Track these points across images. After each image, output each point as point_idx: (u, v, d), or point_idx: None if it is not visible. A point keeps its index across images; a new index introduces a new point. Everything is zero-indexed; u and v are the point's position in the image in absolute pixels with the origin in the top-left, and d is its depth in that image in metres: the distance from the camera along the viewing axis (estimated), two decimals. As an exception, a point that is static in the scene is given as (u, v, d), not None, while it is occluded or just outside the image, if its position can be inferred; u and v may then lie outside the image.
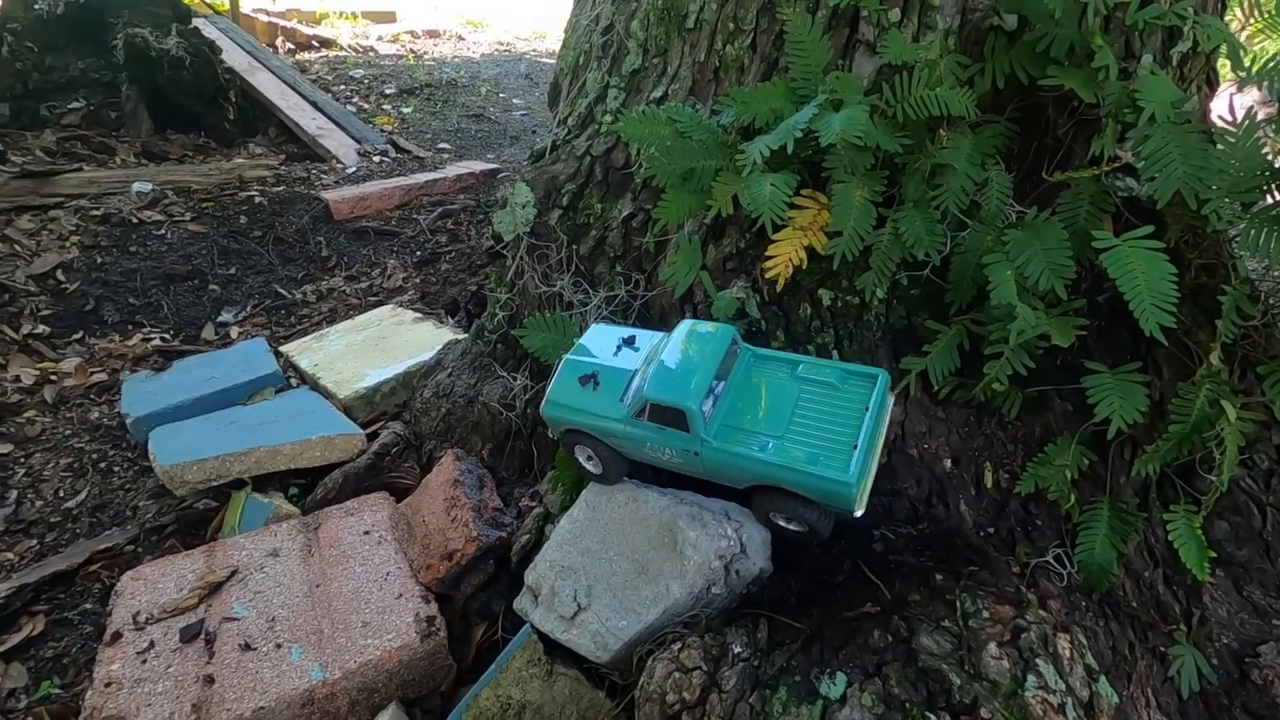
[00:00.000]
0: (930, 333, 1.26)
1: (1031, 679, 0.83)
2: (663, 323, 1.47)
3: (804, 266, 1.24)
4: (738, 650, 0.97)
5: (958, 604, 0.92)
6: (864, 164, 1.21)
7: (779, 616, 1.02)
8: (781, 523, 1.12)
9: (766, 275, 1.25)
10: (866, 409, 1.06)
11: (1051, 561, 1.17)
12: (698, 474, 1.14)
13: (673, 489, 1.21)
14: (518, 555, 1.38)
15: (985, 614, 0.90)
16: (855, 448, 1.01)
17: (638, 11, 1.65)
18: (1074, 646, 0.89)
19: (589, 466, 1.25)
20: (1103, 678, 0.90)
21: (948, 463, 1.25)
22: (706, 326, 1.18)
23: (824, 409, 1.09)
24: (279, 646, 1.24)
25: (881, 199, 1.22)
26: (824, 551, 1.12)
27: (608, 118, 1.70)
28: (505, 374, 1.70)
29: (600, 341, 1.29)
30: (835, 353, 1.31)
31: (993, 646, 0.87)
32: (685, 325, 1.20)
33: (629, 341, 1.27)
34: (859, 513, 1.00)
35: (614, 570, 1.14)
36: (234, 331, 2.63)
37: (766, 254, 1.26)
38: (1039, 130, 1.31)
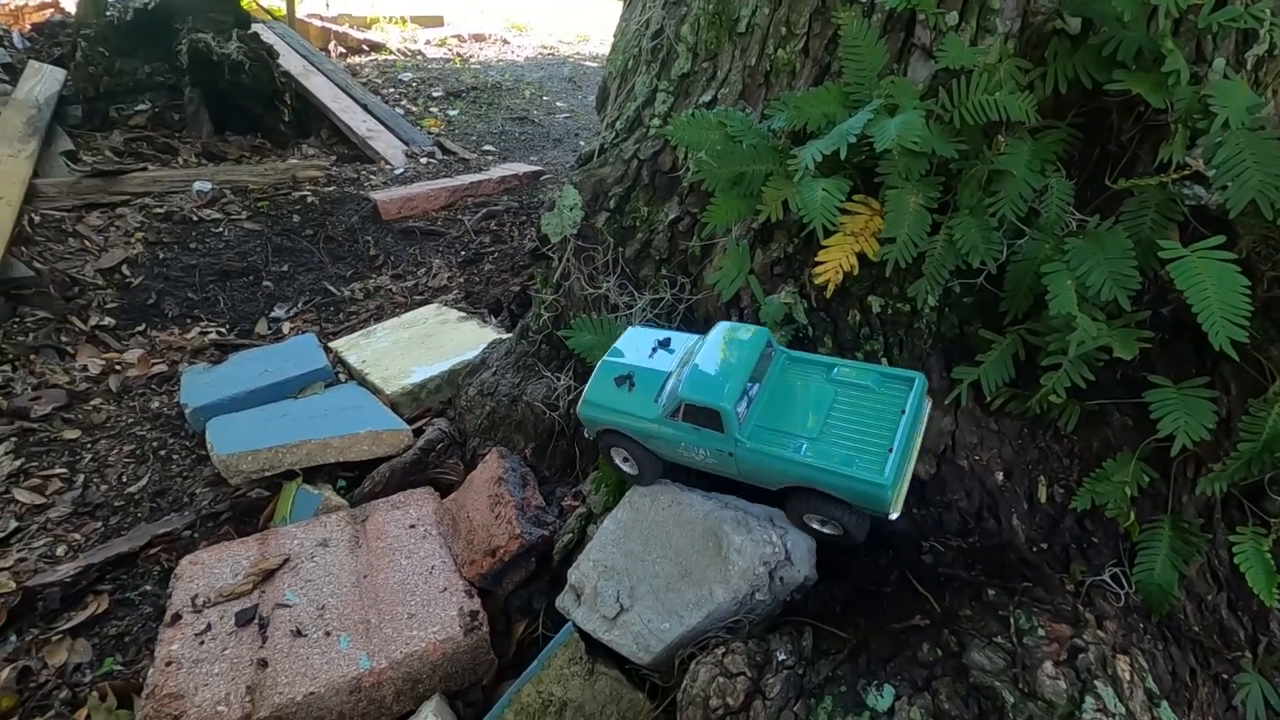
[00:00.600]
0: (984, 342, 1.23)
1: (1090, 701, 0.81)
2: (707, 326, 1.46)
3: (855, 273, 1.22)
4: (782, 658, 0.96)
5: (1011, 620, 0.90)
6: (918, 170, 1.19)
7: (824, 626, 1.01)
8: (816, 525, 1.11)
9: (815, 281, 1.24)
10: (903, 412, 1.06)
11: (1108, 581, 1.14)
12: (731, 475, 1.14)
13: (717, 493, 1.21)
14: (560, 554, 1.39)
15: (1041, 632, 0.88)
16: (891, 450, 1.01)
17: (688, 16, 1.65)
18: (1134, 669, 0.86)
19: (625, 468, 1.26)
20: (1164, 703, 0.87)
21: (1000, 475, 1.22)
22: (742, 330, 1.19)
23: (860, 411, 1.10)
24: (328, 634, 1.28)
25: (936, 205, 1.20)
26: (871, 561, 1.11)
27: (656, 121, 1.70)
28: (549, 374, 1.72)
29: (636, 344, 1.31)
30: (884, 360, 1.29)
31: (1049, 665, 0.84)
32: (721, 328, 1.21)
33: (664, 344, 1.28)
34: (894, 515, 1.00)
35: (657, 572, 1.14)
36: (285, 327, 2.71)
37: (816, 259, 1.25)
38: (1102, 136, 1.28)
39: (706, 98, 1.59)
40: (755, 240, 1.44)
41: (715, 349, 1.16)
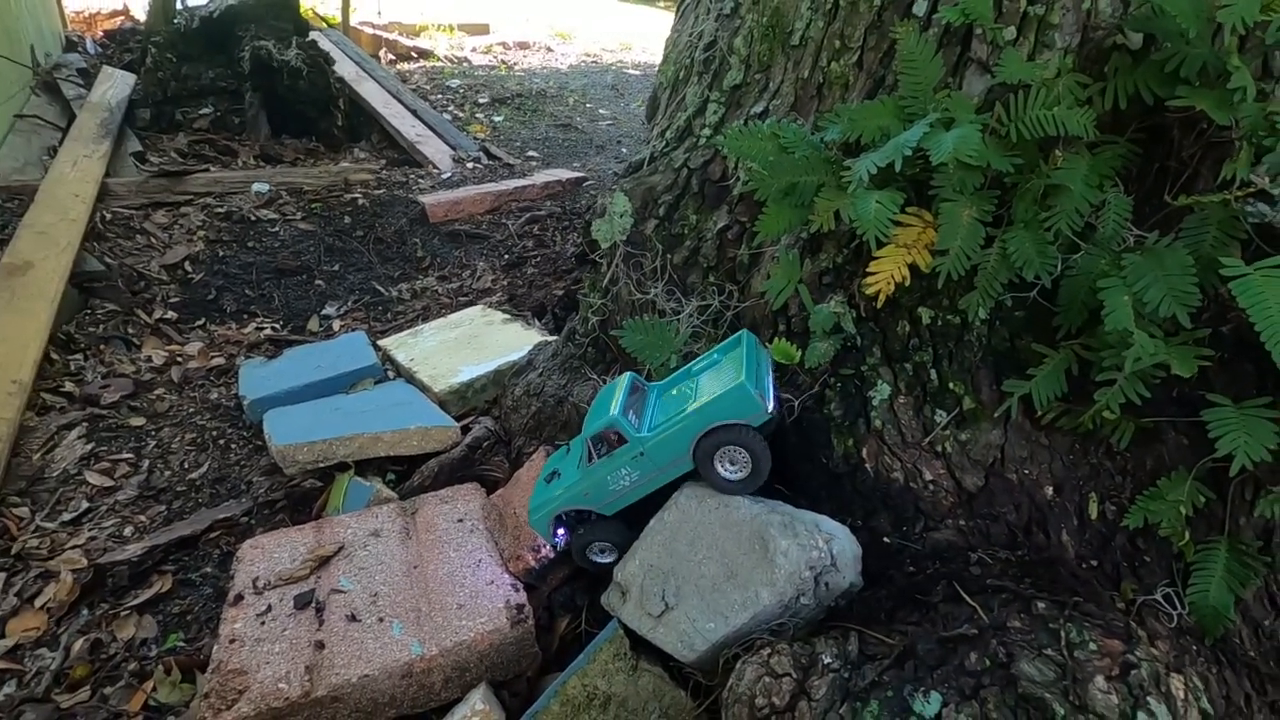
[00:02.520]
0: (1036, 356, 1.23)
1: (1142, 716, 0.81)
2: (754, 333, 1.49)
3: (906, 284, 1.23)
4: (827, 661, 0.97)
5: (1062, 633, 0.90)
6: (973, 183, 1.20)
7: (870, 631, 1.02)
8: (728, 471, 1.23)
9: (866, 291, 1.25)
10: (740, 356, 1.26)
11: (1160, 600, 1.12)
12: (656, 475, 1.27)
13: (764, 497, 1.23)
14: (603, 552, 1.42)
15: (1093, 646, 0.88)
16: (742, 373, 1.19)
17: (741, 28, 1.68)
18: (1188, 689, 0.86)
19: (602, 559, 1.39)
20: (1219, 724, 0.86)
21: (1049, 490, 1.21)
22: (609, 386, 1.41)
23: (715, 376, 1.29)
24: (381, 620, 1.32)
25: (990, 219, 1.21)
26: (917, 570, 1.11)
27: (706, 131, 1.73)
28: (595, 377, 1.76)
29: (552, 460, 1.50)
30: (934, 371, 1.30)
31: (1100, 680, 0.84)
32: (598, 393, 1.43)
33: (568, 449, 1.48)
34: (771, 407, 1.17)
35: (703, 573, 1.17)
36: (336, 324, 2.81)
37: (867, 270, 1.26)
38: (1161, 152, 1.27)
39: (758, 109, 1.62)
40: (804, 250, 1.46)
41: (595, 405, 1.38)
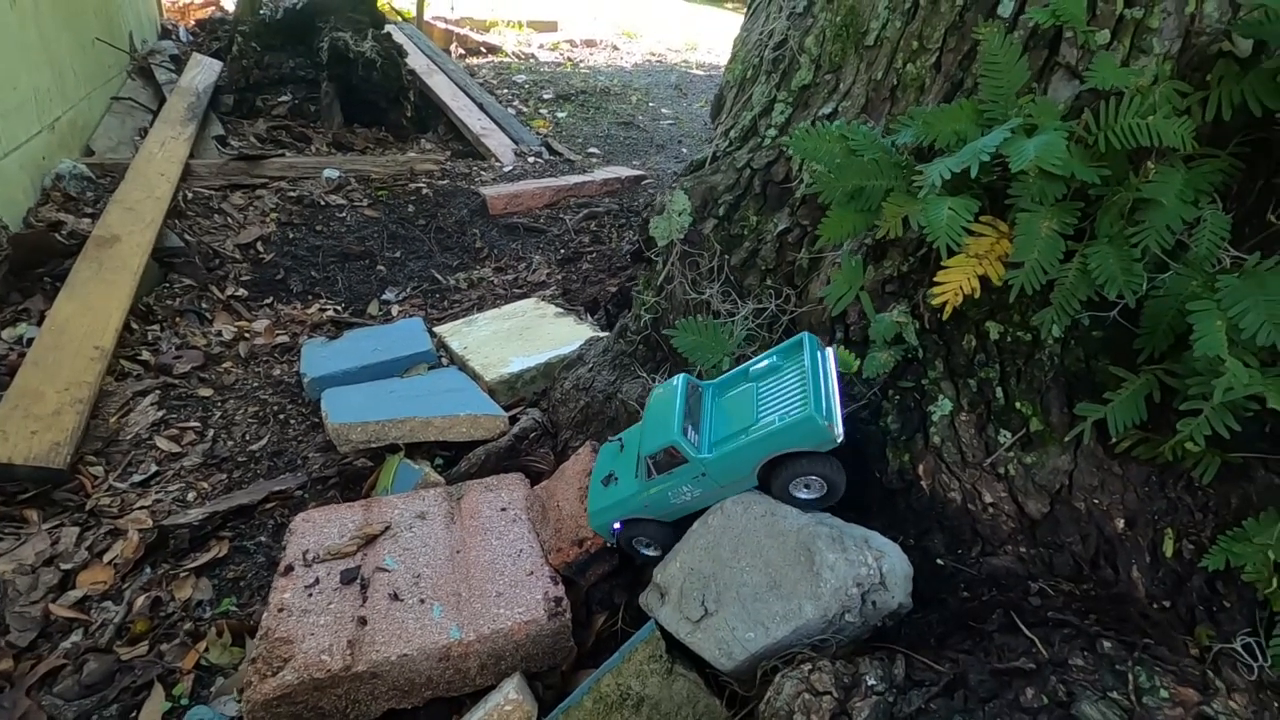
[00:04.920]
0: (1113, 379, 1.16)
1: (1217, 774, 0.75)
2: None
3: (975, 296, 1.18)
4: (871, 683, 0.94)
5: (1130, 676, 0.84)
6: (1054, 193, 1.14)
7: (917, 656, 0.98)
8: (804, 493, 1.21)
9: (933, 302, 1.21)
10: (805, 367, 1.23)
11: (1239, 650, 1.04)
12: (718, 492, 1.26)
13: (812, 510, 1.20)
14: (644, 552, 1.41)
15: (1164, 693, 0.82)
16: (807, 395, 1.17)
17: (813, 27, 1.64)
18: (1270, 748, 0.79)
19: (649, 552, 1.38)
20: (1303, 790, 0.79)
21: (1120, 523, 1.14)
22: (662, 386, 1.39)
23: (778, 385, 1.26)
24: (422, 602, 1.34)
25: (1071, 232, 1.14)
26: (972, 596, 1.06)
27: (772, 131, 1.70)
28: (645, 374, 1.74)
29: (604, 457, 1.49)
30: (1000, 390, 1.24)
31: (1170, 730, 0.79)
32: (650, 397, 1.39)
33: (620, 444, 1.47)
34: (839, 437, 1.13)
35: (744, 581, 1.14)
36: (394, 309, 2.88)
37: (935, 280, 1.21)
38: (1267, 168, 1.18)
39: (827, 110, 1.58)
40: (868, 256, 1.41)
41: (650, 411, 1.34)
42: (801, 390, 1.20)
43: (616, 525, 1.36)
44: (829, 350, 1.28)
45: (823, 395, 1.17)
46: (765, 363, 1.33)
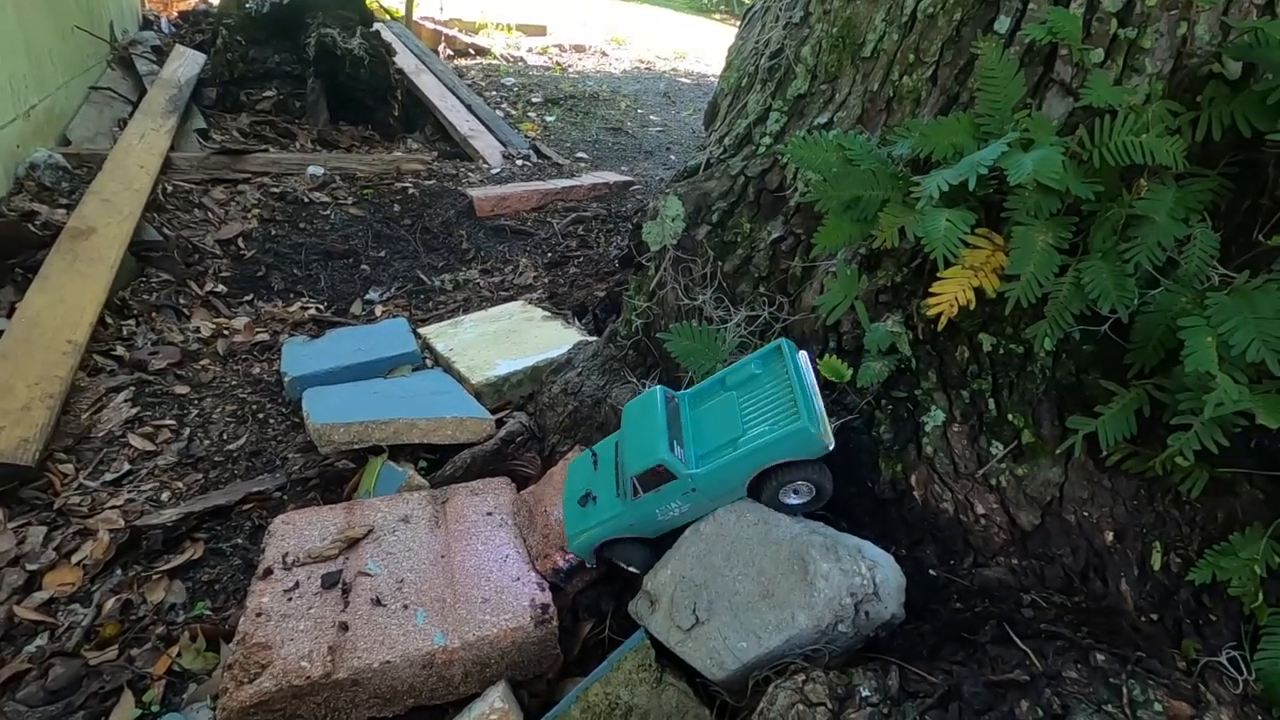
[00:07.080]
0: (1104, 393, 1.17)
1: (1211, 788, 0.75)
2: (804, 347, 1.45)
3: (971, 307, 1.18)
4: (865, 694, 0.93)
5: (1124, 689, 0.85)
6: (1050, 207, 1.15)
7: (911, 667, 0.98)
8: (794, 500, 1.21)
9: (928, 313, 1.21)
10: (789, 375, 1.24)
11: (1224, 664, 1.05)
12: (707, 505, 1.25)
13: (805, 518, 1.19)
14: (633, 559, 1.39)
15: (1157, 706, 0.82)
16: (794, 402, 1.18)
17: (810, 37, 1.65)
18: (1260, 762, 0.79)
19: (630, 569, 1.36)
20: (1292, 804, 0.79)
21: (1109, 535, 1.15)
22: (638, 400, 1.37)
23: (760, 394, 1.26)
24: (406, 607, 1.31)
25: (1066, 246, 1.15)
26: (964, 608, 1.06)
27: (767, 140, 1.71)
28: (634, 380, 1.73)
29: (577, 472, 1.45)
30: (992, 401, 1.25)
31: (1164, 743, 0.79)
32: (625, 411, 1.38)
33: (594, 460, 1.43)
34: (830, 445, 1.14)
35: (737, 589, 1.13)
36: (378, 309, 2.83)
37: (930, 291, 1.22)
38: (1255, 188, 1.20)
39: (822, 120, 1.58)
40: (862, 266, 1.42)
41: (629, 427, 1.32)
42: (788, 399, 1.20)
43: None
44: (803, 355, 1.29)
45: (812, 404, 1.17)
46: (740, 372, 1.33)
